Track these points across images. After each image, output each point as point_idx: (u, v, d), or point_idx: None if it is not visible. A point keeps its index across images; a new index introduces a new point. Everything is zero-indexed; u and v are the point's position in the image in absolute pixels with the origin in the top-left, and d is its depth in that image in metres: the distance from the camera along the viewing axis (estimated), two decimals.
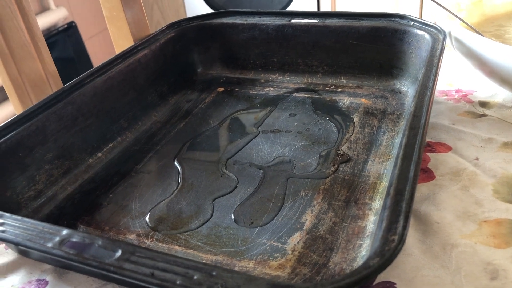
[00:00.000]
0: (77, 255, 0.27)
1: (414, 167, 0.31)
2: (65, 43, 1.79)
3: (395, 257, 0.26)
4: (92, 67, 1.90)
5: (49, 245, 0.28)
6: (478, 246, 0.34)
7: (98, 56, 1.87)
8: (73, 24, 1.78)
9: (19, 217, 0.31)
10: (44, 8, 1.59)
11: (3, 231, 0.30)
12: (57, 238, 0.29)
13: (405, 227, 0.27)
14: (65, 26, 1.74)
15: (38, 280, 0.36)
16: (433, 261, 0.34)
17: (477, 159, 0.42)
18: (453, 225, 0.36)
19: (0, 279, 0.36)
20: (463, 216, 0.37)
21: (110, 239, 0.29)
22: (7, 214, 0.31)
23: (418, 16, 0.77)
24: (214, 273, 0.25)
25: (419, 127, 0.35)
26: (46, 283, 0.35)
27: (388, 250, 0.26)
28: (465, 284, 0.32)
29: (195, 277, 0.25)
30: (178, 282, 0.25)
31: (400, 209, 0.28)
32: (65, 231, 0.29)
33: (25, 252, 0.37)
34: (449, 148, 0.44)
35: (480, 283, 0.32)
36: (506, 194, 0.38)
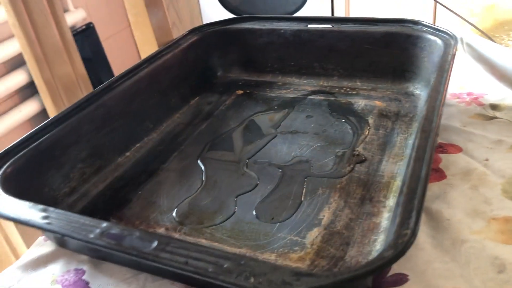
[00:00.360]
0: (118, 245, 0.30)
1: (426, 167, 0.34)
2: (83, 44, 1.83)
3: (408, 249, 0.28)
4: (109, 67, 1.93)
5: (91, 236, 0.31)
6: (486, 242, 0.36)
7: (115, 57, 1.90)
8: (91, 25, 1.82)
9: (62, 211, 0.34)
10: (64, 10, 1.63)
11: (49, 223, 0.32)
12: (98, 230, 0.32)
13: (417, 222, 0.29)
14: (83, 27, 1.78)
15: (76, 270, 0.39)
16: (444, 255, 0.36)
17: (487, 160, 0.44)
18: (463, 222, 0.38)
19: (41, 268, 0.39)
20: (473, 213, 0.39)
21: (147, 231, 0.32)
22: (51, 208, 0.34)
23: (431, 21, 0.78)
24: (242, 262, 0.28)
25: (431, 130, 0.37)
26: (83, 272, 0.38)
27: (401, 243, 0.28)
28: (474, 276, 0.34)
29: (225, 266, 0.28)
30: (210, 270, 0.28)
31: (413, 206, 0.31)
32: (104, 224, 0.32)
33: (64, 243, 0.40)
34: (460, 149, 0.46)
35: (488, 276, 0.34)
36: None
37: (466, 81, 0.58)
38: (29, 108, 1.54)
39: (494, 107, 0.52)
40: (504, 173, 0.43)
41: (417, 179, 0.33)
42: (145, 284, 0.37)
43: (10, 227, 0.56)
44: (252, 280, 0.27)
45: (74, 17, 1.70)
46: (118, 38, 1.95)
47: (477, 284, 0.33)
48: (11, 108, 1.53)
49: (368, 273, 0.27)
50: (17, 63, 1.53)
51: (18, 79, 1.50)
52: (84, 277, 0.38)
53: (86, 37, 1.82)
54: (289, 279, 0.27)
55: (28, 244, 0.42)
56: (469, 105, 0.53)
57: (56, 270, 0.39)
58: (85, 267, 0.39)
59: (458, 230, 0.38)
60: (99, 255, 0.38)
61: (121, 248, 0.30)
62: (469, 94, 0.55)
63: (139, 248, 0.29)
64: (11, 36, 1.48)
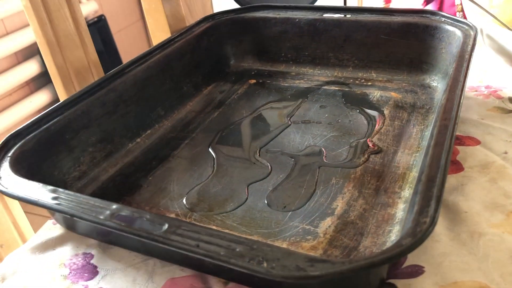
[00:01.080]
0: (128, 226, 0.29)
1: (446, 155, 0.33)
2: (94, 36, 1.83)
3: (427, 237, 0.27)
4: (120, 60, 1.93)
5: (101, 217, 0.30)
6: (505, 236, 0.35)
7: (126, 50, 1.91)
8: (103, 17, 1.82)
9: (72, 192, 0.33)
10: None
11: (58, 204, 0.32)
12: (108, 212, 0.31)
13: (436, 210, 0.28)
14: (95, 19, 1.79)
15: (84, 254, 0.38)
16: (461, 248, 0.35)
17: (506, 153, 0.43)
18: (481, 214, 0.37)
19: (49, 251, 0.39)
20: (491, 206, 0.38)
21: (157, 214, 0.31)
22: (61, 189, 0.33)
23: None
24: (255, 246, 0.27)
25: (451, 117, 0.36)
26: (92, 256, 0.38)
27: (420, 231, 0.27)
28: (493, 270, 0.33)
29: (237, 250, 0.27)
30: (222, 253, 0.27)
31: (432, 194, 0.30)
32: (115, 206, 0.31)
33: (73, 226, 0.39)
34: (477, 142, 0.45)
35: (507, 270, 0.33)
36: None
37: (484, 74, 0.57)
38: (40, 98, 1.55)
39: None
40: None
41: (437, 167, 0.32)
42: (154, 270, 0.36)
43: (19, 212, 0.56)
44: (265, 264, 0.26)
45: (86, 9, 1.71)
46: (129, 31, 1.96)
47: (495, 278, 0.32)
48: (22, 99, 1.54)
49: (385, 261, 0.26)
50: (28, 54, 1.54)
51: (29, 69, 1.51)
52: (92, 261, 0.38)
53: (98, 29, 1.83)
54: (303, 264, 0.26)
55: (36, 229, 0.42)
56: (487, 98, 0.52)
57: (64, 253, 0.38)
58: (93, 252, 0.38)
59: (476, 223, 0.37)
60: (108, 239, 0.38)
61: (131, 230, 0.29)
62: (487, 87, 0.54)
63: (150, 230, 0.29)
64: (23, 27, 1.48)
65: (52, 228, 0.41)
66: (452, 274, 0.33)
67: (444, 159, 0.32)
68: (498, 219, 0.37)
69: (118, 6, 1.89)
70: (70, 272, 0.37)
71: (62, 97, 0.53)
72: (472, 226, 0.36)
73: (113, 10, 1.86)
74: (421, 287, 0.32)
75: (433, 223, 0.28)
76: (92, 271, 0.37)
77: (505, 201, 0.38)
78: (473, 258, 0.34)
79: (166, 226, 0.29)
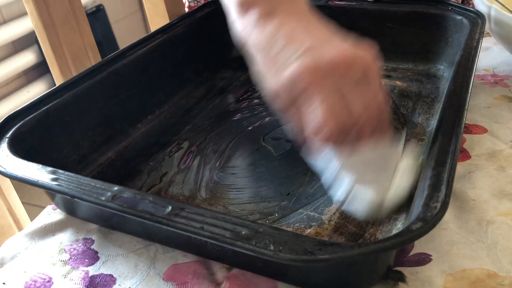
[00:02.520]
0: (130, 208, 0.28)
1: (455, 140, 0.32)
2: (93, 26, 1.82)
3: (438, 222, 0.26)
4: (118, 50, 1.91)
5: (103, 198, 0.30)
6: None
7: (124, 40, 1.89)
8: (101, 7, 1.80)
9: (72, 174, 0.32)
10: None
11: (58, 185, 0.31)
12: (109, 194, 0.30)
13: (447, 195, 0.28)
14: (94, 9, 1.77)
15: (85, 239, 0.37)
16: (469, 236, 0.34)
17: None
18: (489, 202, 0.37)
19: (49, 236, 0.38)
20: (499, 194, 0.37)
21: (160, 196, 0.30)
22: (61, 171, 0.33)
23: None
24: (261, 229, 0.26)
25: (460, 103, 0.36)
26: (92, 241, 0.37)
27: (431, 215, 0.27)
28: (501, 257, 0.32)
29: (243, 232, 0.26)
30: (227, 235, 0.26)
31: (442, 179, 0.29)
32: (116, 187, 0.31)
33: (73, 211, 0.38)
34: (484, 130, 0.44)
35: None
36: None
37: (490, 63, 0.56)
38: (38, 88, 1.54)
39: None
40: None
41: (447, 152, 0.31)
42: (156, 255, 0.35)
43: (14, 198, 0.55)
44: (272, 247, 0.25)
45: None
46: (128, 22, 1.94)
47: (504, 265, 0.32)
48: (19, 88, 1.52)
49: (395, 245, 0.25)
50: (26, 43, 1.52)
51: (27, 59, 1.49)
52: (92, 247, 0.37)
53: (96, 19, 1.81)
54: (312, 248, 0.25)
55: (32, 217, 0.41)
56: (493, 86, 0.51)
57: (64, 239, 0.38)
58: (94, 237, 0.37)
59: (484, 210, 0.36)
60: (109, 223, 0.37)
61: (134, 211, 0.28)
62: (493, 75, 0.53)
63: (153, 212, 0.28)
64: (20, 15, 1.47)
65: (52, 213, 0.40)
66: (460, 262, 0.32)
67: (454, 144, 0.32)
68: (506, 207, 0.36)
69: None
70: (70, 258, 0.36)
71: (59, 81, 0.52)
72: (480, 214, 0.36)
73: (112, 0, 1.85)
74: (428, 275, 0.32)
75: (443, 208, 0.27)
76: (92, 257, 0.36)
77: None
78: (481, 245, 0.33)
79: (169, 208, 0.28)
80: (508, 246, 0.33)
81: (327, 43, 0.34)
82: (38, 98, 0.41)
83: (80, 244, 0.37)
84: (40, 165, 0.33)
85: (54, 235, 0.38)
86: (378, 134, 0.34)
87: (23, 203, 0.62)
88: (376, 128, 0.33)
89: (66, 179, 0.32)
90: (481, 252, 0.33)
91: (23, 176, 0.32)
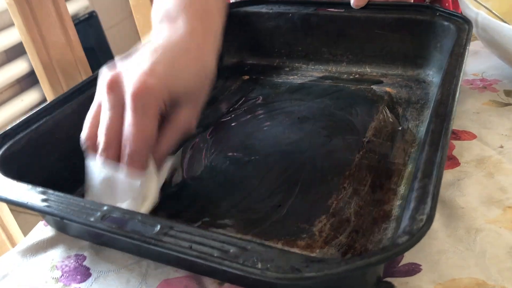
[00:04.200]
0: (119, 228, 0.29)
1: (442, 151, 0.32)
2: (86, 32, 1.82)
3: (423, 235, 0.27)
4: (112, 56, 1.91)
5: (92, 219, 0.30)
6: (502, 231, 0.35)
7: (118, 46, 1.89)
8: (94, 13, 1.80)
9: (62, 194, 0.32)
10: None
11: (48, 206, 0.31)
12: (98, 213, 0.30)
13: (432, 208, 0.28)
14: (86, 15, 1.77)
15: (77, 255, 0.37)
16: (458, 244, 0.34)
17: (501, 147, 0.43)
18: (478, 210, 0.37)
19: (40, 253, 0.38)
20: (488, 201, 0.38)
21: (149, 215, 0.30)
22: (50, 191, 0.33)
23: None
24: (249, 247, 0.27)
25: (446, 114, 0.36)
26: (84, 258, 0.37)
27: (417, 229, 0.27)
28: (489, 266, 0.32)
29: (231, 251, 0.27)
30: (215, 255, 0.26)
31: (428, 191, 0.29)
32: (105, 207, 0.31)
33: (64, 229, 0.39)
34: (473, 136, 0.45)
35: (504, 266, 0.32)
36: None
37: (479, 68, 0.56)
38: (32, 97, 1.54)
39: (508, 93, 0.50)
40: None
41: (432, 164, 0.31)
42: (148, 271, 0.35)
43: (7, 215, 0.55)
44: (259, 265, 0.25)
45: (77, 5, 1.69)
46: (121, 27, 1.94)
47: (493, 273, 0.32)
48: (12, 97, 1.52)
49: (381, 260, 0.25)
50: (18, 52, 1.52)
51: (20, 68, 1.49)
52: (84, 263, 0.37)
53: (89, 26, 1.81)
54: (299, 265, 0.25)
55: (25, 232, 0.41)
56: (482, 91, 0.51)
57: (56, 255, 0.38)
58: (86, 253, 0.38)
59: (473, 218, 0.36)
60: (100, 240, 0.37)
61: (122, 232, 0.29)
62: (482, 80, 0.53)
63: (141, 232, 0.28)
64: (12, 24, 1.46)
65: (44, 230, 0.40)
66: (449, 272, 0.33)
67: (440, 156, 0.32)
68: (494, 214, 0.36)
69: (109, 2, 1.88)
70: (62, 275, 0.36)
71: (49, 95, 0.52)
72: (469, 222, 0.36)
73: (104, 6, 1.85)
74: (418, 285, 0.32)
75: (429, 220, 0.27)
76: (84, 273, 0.36)
77: (501, 195, 0.38)
78: (470, 254, 0.34)
79: (158, 227, 0.29)
80: (496, 254, 0.33)
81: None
82: (28, 117, 0.41)
83: (72, 261, 0.37)
84: (30, 186, 0.33)
85: (46, 251, 0.38)
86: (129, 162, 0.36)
87: (15, 211, 0.61)
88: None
89: (55, 200, 0.32)
90: (470, 260, 0.33)
91: (12, 199, 0.32)
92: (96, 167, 0.37)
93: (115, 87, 0.37)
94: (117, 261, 0.37)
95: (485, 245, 0.34)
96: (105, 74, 0.38)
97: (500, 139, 0.44)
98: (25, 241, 0.40)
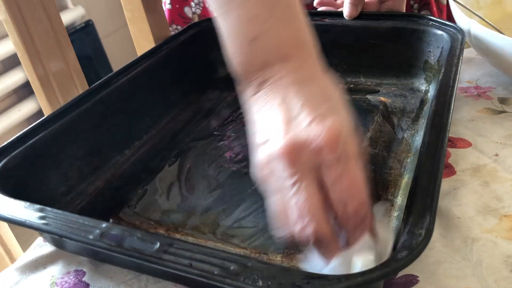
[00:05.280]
0: (118, 246, 0.29)
1: (438, 165, 0.32)
2: (82, 41, 1.81)
3: (423, 250, 0.27)
4: (109, 65, 1.91)
5: (91, 237, 0.30)
6: (498, 240, 0.35)
7: (115, 54, 1.89)
8: (90, 22, 1.80)
9: (60, 211, 0.32)
10: (62, 7, 1.61)
11: (46, 224, 0.31)
12: (97, 231, 0.30)
13: (431, 222, 0.28)
14: (83, 24, 1.77)
15: (76, 271, 0.37)
16: (455, 255, 0.35)
17: (497, 155, 0.43)
18: (474, 219, 0.37)
19: (40, 270, 0.38)
20: (484, 211, 0.38)
21: (148, 232, 0.30)
22: (49, 208, 0.33)
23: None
24: (249, 264, 0.27)
25: (442, 125, 0.36)
26: (84, 274, 0.37)
27: (416, 243, 0.27)
28: (486, 276, 0.33)
29: (232, 268, 0.27)
30: (216, 272, 0.26)
31: (426, 206, 0.30)
32: (104, 224, 0.31)
33: (62, 245, 0.39)
34: (469, 144, 0.45)
35: (501, 275, 0.33)
36: None
37: (473, 76, 0.57)
38: (28, 107, 1.53)
39: (502, 101, 0.51)
40: None
41: (430, 178, 0.32)
42: (147, 286, 0.35)
43: (6, 230, 0.55)
44: (260, 283, 0.25)
45: (73, 15, 1.69)
46: (117, 36, 1.94)
47: (490, 283, 0.32)
48: (9, 107, 1.51)
49: (382, 277, 0.26)
50: (14, 62, 1.51)
51: (17, 77, 1.49)
52: (84, 279, 0.37)
53: (86, 34, 1.81)
54: (300, 282, 0.25)
55: (24, 247, 0.41)
56: (477, 99, 0.52)
57: (56, 272, 0.38)
58: (85, 269, 0.38)
59: (469, 228, 0.37)
60: (99, 257, 0.37)
61: (121, 250, 0.29)
62: (476, 88, 0.54)
63: (141, 250, 0.28)
64: (7, 34, 1.46)
65: (43, 246, 0.40)
66: (447, 282, 0.33)
67: (437, 169, 0.32)
68: (490, 224, 0.37)
69: (105, 11, 1.88)
70: None
71: (45, 108, 0.52)
72: (465, 231, 0.36)
73: (101, 15, 1.84)
74: None
75: (428, 235, 0.28)
76: None
77: (497, 204, 0.38)
78: (467, 264, 0.34)
79: (157, 244, 0.29)
80: (492, 263, 0.33)
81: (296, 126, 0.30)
82: (24, 132, 0.41)
83: (71, 277, 0.37)
84: (28, 203, 0.33)
85: (45, 268, 0.38)
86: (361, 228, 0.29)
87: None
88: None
89: (53, 217, 0.32)
90: (466, 270, 0.33)
91: (10, 217, 0.32)
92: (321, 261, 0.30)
93: (295, 155, 0.28)
94: (116, 276, 0.36)
95: (482, 255, 0.34)
96: (266, 155, 0.29)
97: (495, 147, 0.44)
98: (24, 257, 0.40)
